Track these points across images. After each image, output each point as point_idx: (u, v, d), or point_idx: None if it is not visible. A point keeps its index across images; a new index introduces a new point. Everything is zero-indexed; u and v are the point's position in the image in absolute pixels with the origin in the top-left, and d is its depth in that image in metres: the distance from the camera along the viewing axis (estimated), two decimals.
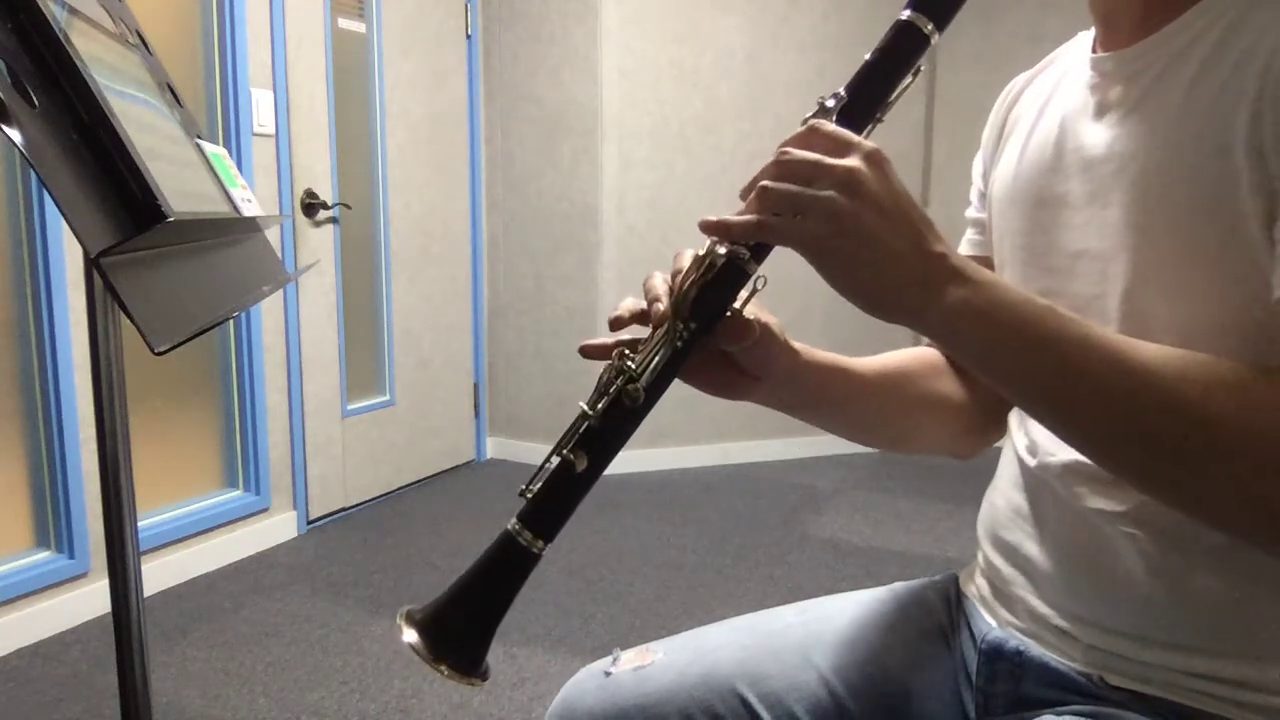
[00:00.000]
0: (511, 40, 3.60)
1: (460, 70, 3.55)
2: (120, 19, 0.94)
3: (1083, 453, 0.57)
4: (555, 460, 0.59)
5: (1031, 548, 0.71)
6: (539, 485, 0.59)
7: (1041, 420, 0.58)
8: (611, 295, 3.57)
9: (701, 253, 0.59)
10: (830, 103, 0.59)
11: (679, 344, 0.58)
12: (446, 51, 3.47)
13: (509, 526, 0.58)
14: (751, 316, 0.63)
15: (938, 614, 0.80)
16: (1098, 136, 0.66)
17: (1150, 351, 0.53)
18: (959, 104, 3.89)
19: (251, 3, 2.64)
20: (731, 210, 0.57)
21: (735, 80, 3.61)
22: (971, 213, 0.84)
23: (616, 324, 0.64)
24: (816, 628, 0.79)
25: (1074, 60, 0.73)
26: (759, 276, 0.59)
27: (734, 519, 3.11)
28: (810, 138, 0.56)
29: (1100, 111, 0.66)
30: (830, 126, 0.56)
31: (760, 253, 0.58)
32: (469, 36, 3.57)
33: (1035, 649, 0.69)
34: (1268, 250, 0.55)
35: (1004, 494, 0.76)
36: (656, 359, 0.58)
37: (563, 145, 3.56)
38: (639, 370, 0.58)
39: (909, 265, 0.53)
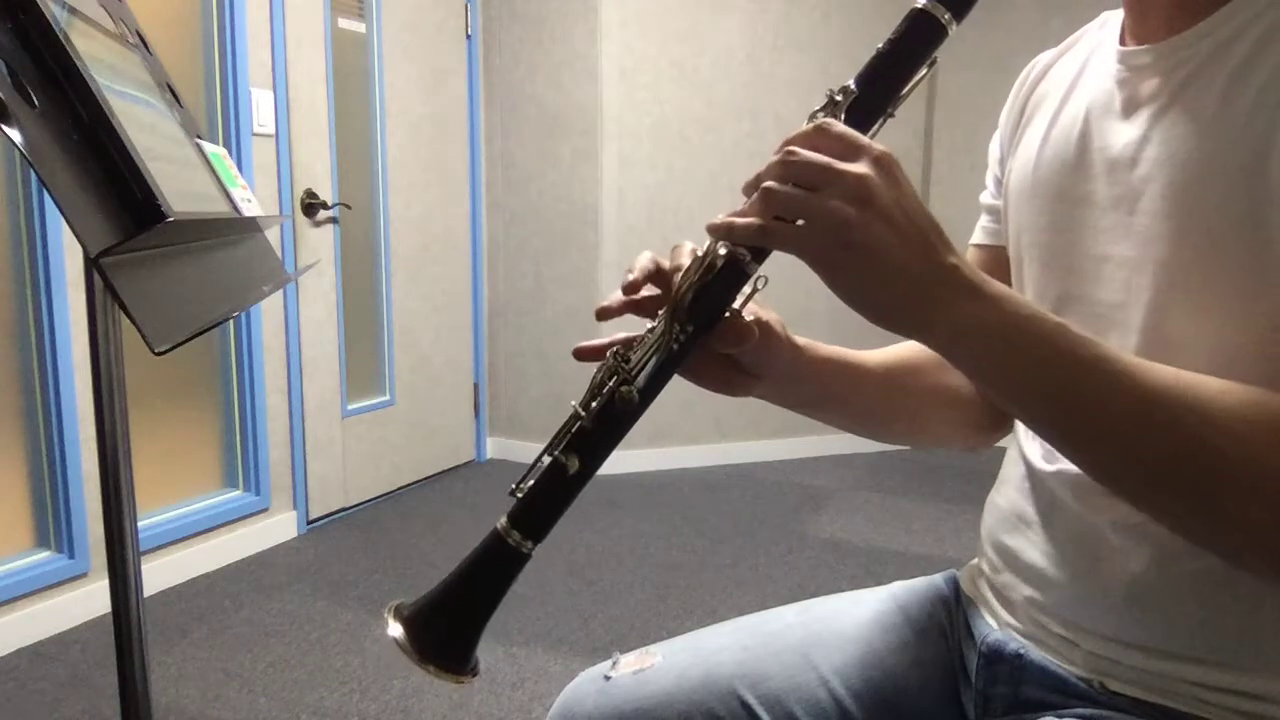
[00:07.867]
0: (511, 40, 3.60)
1: (460, 70, 3.55)
2: (120, 19, 0.93)
3: (1086, 473, 0.55)
4: (546, 460, 0.58)
5: (1034, 554, 0.70)
6: (529, 485, 0.58)
7: (1045, 437, 0.57)
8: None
9: (701, 252, 0.58)
10: (839, 97, 0.56)
11: (675, 346, 0.57)
12: (446, 51, 3.47)
13: (498, 526, 0.58)
14: (751, 316, 0.61)
15: (938, 614, 0.80)
16: (1126, 136, 0.62)
17: (1164, 377, 0.51)
18: (959, 104, 3.89)
19: (251, 3, 2.63)
20: (733, 209, 0.56)
21: (735, 80, 3.61)
22: (986, 198, 0.81)
23: (604, 314, 0.62)
24: (817, 628, 0.79)
25: (1101, 44, 0.69)
26: (760, 276, 0.57)
27: (734, 519, 3.10)
28: (817, 138, 0.53)
29: (1128, 109, 0.63)
30: (839, 127, 0.53)
31: (761, 253, 0.56)
32: (469, 36, 3.57)
33: (1035, 652, 0.69)
34: None
35: (1008, 498, 0.75)
36: (652, 361, 0.57)
37: (563, 145, 3.55)
38: (634, 371, 0.57)
39: (919, 279, 0.51)
